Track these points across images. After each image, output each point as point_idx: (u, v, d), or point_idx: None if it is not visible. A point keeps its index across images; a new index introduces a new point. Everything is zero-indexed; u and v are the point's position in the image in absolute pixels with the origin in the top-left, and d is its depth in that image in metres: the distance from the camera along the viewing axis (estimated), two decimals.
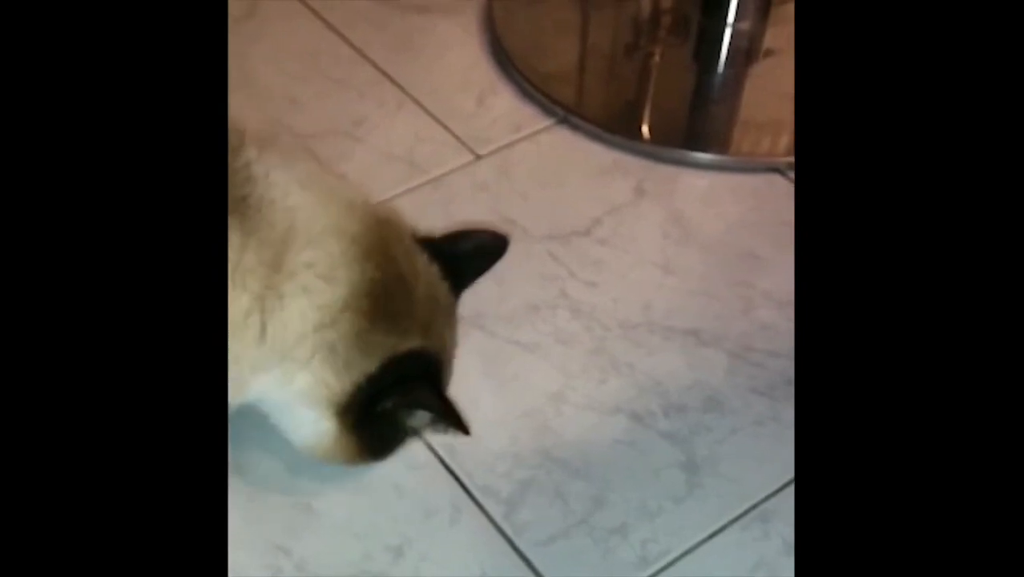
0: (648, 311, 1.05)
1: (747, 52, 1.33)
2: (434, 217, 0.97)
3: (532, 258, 1.09)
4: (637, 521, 0.88)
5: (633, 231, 1.12)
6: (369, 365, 0.77)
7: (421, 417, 0.82)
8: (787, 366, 0.99)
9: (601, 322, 1.03)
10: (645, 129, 1.24)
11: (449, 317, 0.84)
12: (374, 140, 1.21)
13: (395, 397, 0.78)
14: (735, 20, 1.33)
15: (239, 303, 0.71)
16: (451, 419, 0.80)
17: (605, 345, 1.02)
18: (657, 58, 1.34)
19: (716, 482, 0.92)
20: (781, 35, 1.32)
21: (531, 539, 0.87)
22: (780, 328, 1.02)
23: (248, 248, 0.71)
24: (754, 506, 0.90)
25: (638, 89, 1.33)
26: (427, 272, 0.82)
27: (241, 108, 1.14)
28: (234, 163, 0.73)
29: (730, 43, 1.34)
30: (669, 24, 1.38)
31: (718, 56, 1.35)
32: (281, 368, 0.76)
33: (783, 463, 0.91)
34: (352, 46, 1.33)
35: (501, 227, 1.07)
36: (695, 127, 1.28)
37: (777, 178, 1.18)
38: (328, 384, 0.77)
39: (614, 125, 1.22)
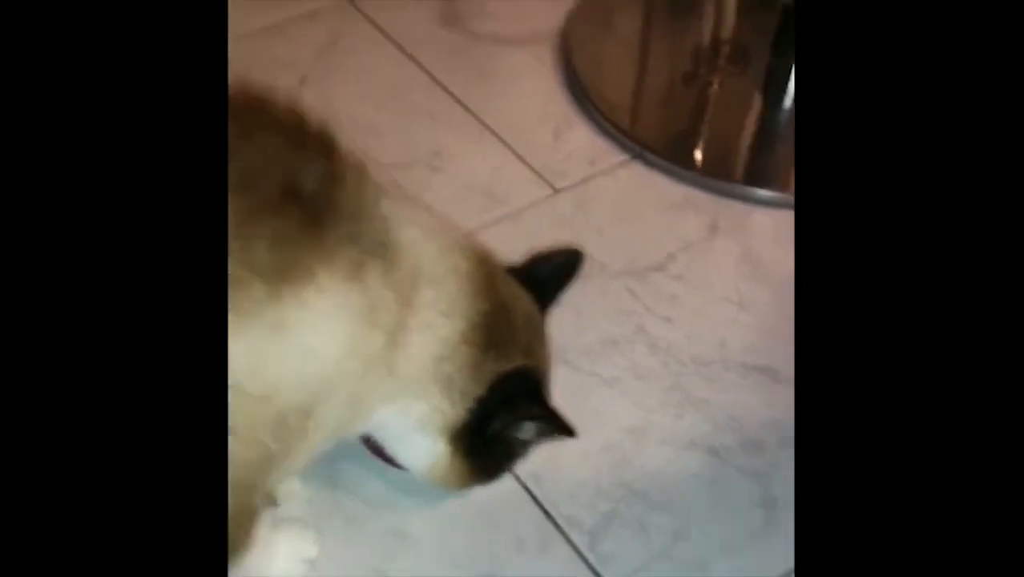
0: (723, 348, 1.08)
1: None
2: (515, 251, 1.01)
3: (609, 293, 1.13)
4: (718, 556, 0.92)
5: (707, 267, 1.16)
6: (480, 389, 0.81)
7: (528, 429, 0.86)
8: None
9: (677, 357, 1.07)
10: (713, 165, 1.28)
11: (543, 335, 0.88)
12: (454, 171, 1.26)
13: (505, 416, 0.83)
14: None
15: (376, 340, 0.75)
16: (557, 425, 0.84)
17: (681, 381, 1.06)
18: (716, 87, 1.38)
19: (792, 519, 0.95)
20: None
21: (616, 571, 0.91)
22: None
23: (387, 287, 0.75)
24: None
25: (702, 122, 1.37)
26: (521, 297, 0.86)
27: None
28: (374, 210, 0.77)
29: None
30: (728, 54, 1.42)
31: (784, 92, 1.39)
32: (403, 398, 0.81)
33: None
34: (431, 76, 1.38)
35: (587, 264, 1.12)
36: (763, 163, 1.32)
37: None
38: (444, 412, 0.82)
39: (683, 161, 1.26)
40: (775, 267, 1.16)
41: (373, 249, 0.75)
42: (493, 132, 1.30)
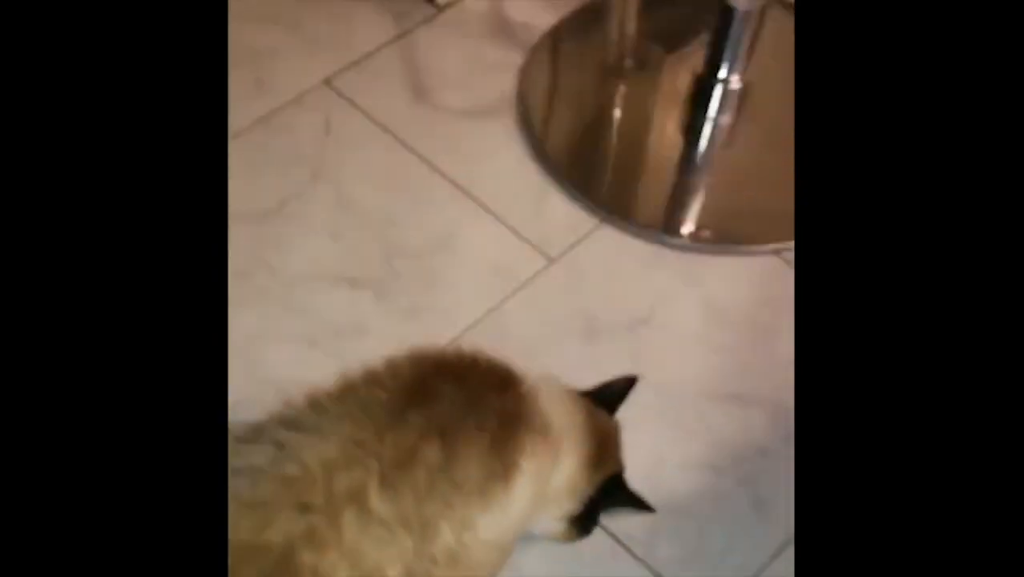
0: (704, 383, 1.45)
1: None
2: (535, 323, 1.35)
3: (614, 347, 1.48)
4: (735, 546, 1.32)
5: (681, 316, 1.52)
6: (591, 491, 1.16)
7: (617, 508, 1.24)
8: None
9: (675, 396, 1.44)
10: (664, 221, 1.62)
11: (619, 441, 1.23)
12: (465, 252, 1.56)
13: (606, 503, 1.19)
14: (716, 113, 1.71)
15: (543, 487, 1.09)
16: (641, 506, 1.21)
17: (683, 415, 1.42)
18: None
19: (779, 512, 1.35)
20: (753, 131, 1.71)
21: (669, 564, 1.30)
22: None
23: (548, 452, 1.08)
24: None
25: (651, 181, 1.70)
26: (604, 417, 1.21)
27: (348, 230, 1.44)
28: (538, 405, 1.09)
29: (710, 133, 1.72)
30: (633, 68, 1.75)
31: (700, 138, 1.73)
32: (548, 508, 1.15)
33: None
34: (420, 157, 1.65)
35: (589, 324, 1.46)
36: (707, 218, 1.66)
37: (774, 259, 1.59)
38: (570, 509, 1.16)
39: (642, 221, 1.60)
40: (732, 309, 1.53)
41: (541, 429, 1.07)
42: (488, 209, 1.60)
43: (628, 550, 1.31)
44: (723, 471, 1.37)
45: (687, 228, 1.61)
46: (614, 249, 1.58)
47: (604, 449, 1.17)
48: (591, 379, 1.40)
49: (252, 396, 1.28)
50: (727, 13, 1.58)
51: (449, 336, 1.46)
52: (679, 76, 1.73)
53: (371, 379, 1.03)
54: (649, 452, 1.37)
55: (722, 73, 1.66)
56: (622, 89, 1.78)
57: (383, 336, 1.46)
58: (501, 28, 1.82)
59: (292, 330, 1.47)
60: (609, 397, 1.24)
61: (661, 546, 1.31)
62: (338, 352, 1.44)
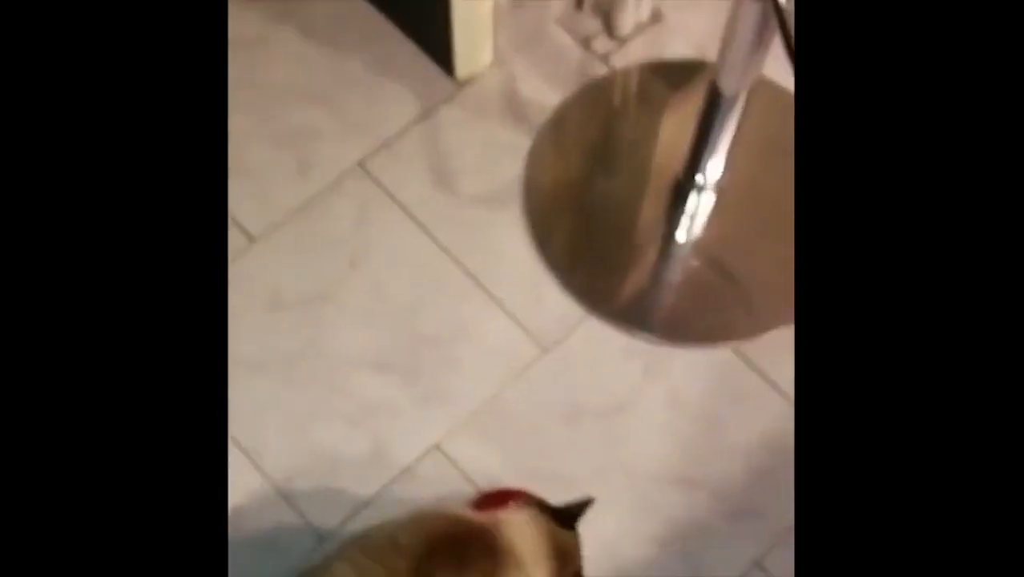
0: (665, 465, 1.83)
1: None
2: (526, 407, 1.72)
3: (593, 429, 1.84)
4: None
5: (649, 404, 1.87)
6: None
7: None
8: (747, 498, 1.80)
9: (640, 478, 1.82)
10: (640, 319, 1.95)
11: (579, 547, 1.60)
12: (476, 341, 1.90)
13: None
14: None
15: None
16: None
17: (642, 496, 1.81)
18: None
19: None
20: (726, 230, 2.01)
21: None
22: (739, 470, 1.82)
23: None
24: None
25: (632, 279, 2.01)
26: (564, 535, 1.57)
27: (379, 318, 1.84)
28: (514, 554, 1.46)
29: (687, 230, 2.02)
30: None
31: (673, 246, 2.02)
32: None
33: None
34: (441, 246, 1.97)
35: (572, 410, 1.83)
36: (678, 316, 1.98)
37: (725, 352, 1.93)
38: None
39: (627, 316, 1.93)
40: (692, 401, 1.88)
41: (515, 565, 1.45)
42: (495, 299, 1.94)
43: None
44: (669, 544, 1.77)
45: (659, 323, 1.94)
46: (597, 339, 1.92)
47: (565, 562, 1.54)
48: (570, 459, 1.78)
49: (306, 466, 1.64)
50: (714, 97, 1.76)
51: (459, 420, 1.82)
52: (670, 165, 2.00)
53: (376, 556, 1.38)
54: (611, 528, 1.76)
55: (702, 170, 1.91)
56: (614, 181, 2.07)
57: (409, 418, 1.83)
58: (513, 107, 2.08)
59: (338, 409, 1.83)
60: (571, 513, 1.57)
61: None
62: (372, 430, 1.81)
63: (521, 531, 1.49)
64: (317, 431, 1.82)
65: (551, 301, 1.94)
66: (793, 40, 1.32)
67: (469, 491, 1.77)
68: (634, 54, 2.13)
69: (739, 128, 1.83)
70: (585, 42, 2.15)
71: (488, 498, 1.72)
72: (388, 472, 1.78)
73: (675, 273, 2.01)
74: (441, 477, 1.79)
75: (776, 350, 1.87)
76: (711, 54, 1.89)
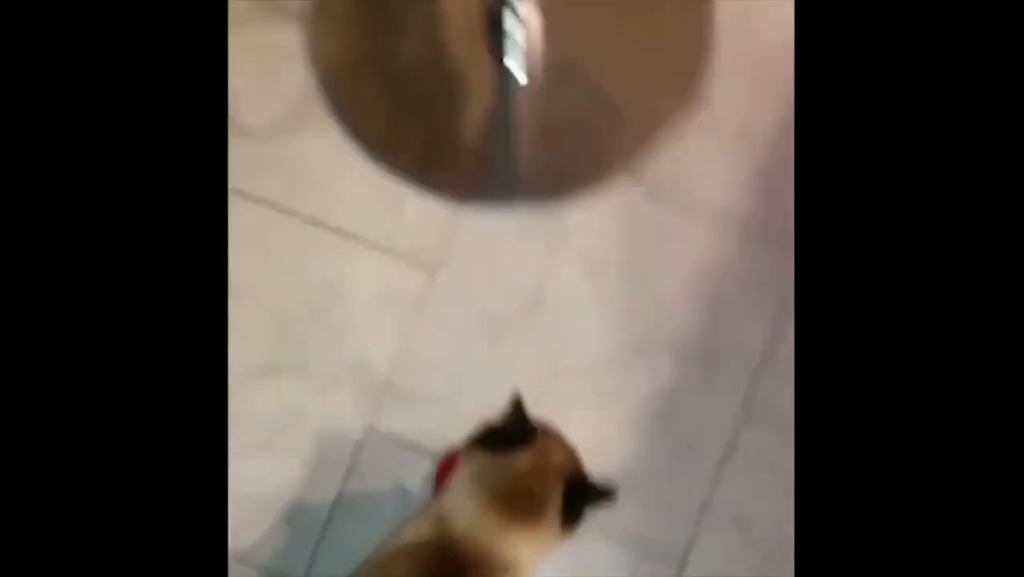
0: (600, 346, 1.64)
1: None
2: (441, 347, 1.56)
3: (519, 336, 1.63)
4: None
5: (562, 285, 1.65)
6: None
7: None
8: (708, 343, 1.63)
9: (586, 369, 1.63)
10: (516, 186, 1.69)
11: (565, 449, 1.36)
12: (353, 293, 1.64)
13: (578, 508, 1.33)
14: None
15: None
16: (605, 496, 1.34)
17: (605, 385, 1.63)
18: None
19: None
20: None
21: None
22: (688, 316, 1.64)
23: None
24: None
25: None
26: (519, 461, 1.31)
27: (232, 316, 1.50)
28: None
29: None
30: None
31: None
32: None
33: None
34: (262, 203, 1.66)
35: (488, 324, 1.61)
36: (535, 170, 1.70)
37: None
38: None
39: (494, 192, 1.67)
40: (606, 260, 1.66)
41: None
42: (352, 238, 1.65)
43: None
44: (649, 424, 1.61)
45: (532, 183, 1.68)
46: (480, 233, 1.66)
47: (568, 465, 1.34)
48: (509, 381, 1.56)
49: (243, 517, 1.52)
50: None
51: (376, 390, 1.59)
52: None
53: None
54: (586, 434, 1.58)
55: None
56: (409, 38, 1.72)
57: (322, 414, 1.59)
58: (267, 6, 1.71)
59: (243, 441, 1.58)
60: (517, 425, 1.33)
61: None
62: (292, 445, 1.58)
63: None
64: (234, 474, 1.57)
65: (411, 210, 1.67)
66: None
67: (425, 463, 1.58)
68: None
69: None
70: None
71: (447, 465, 1.52)
72: (331, 484, 1.57)
73: (525, 114, 1.72)
74: (389, 460, 1.59)
75: (670, 160, 1.64)
76: None
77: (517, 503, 1.30)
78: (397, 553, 1.29)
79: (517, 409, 1.35)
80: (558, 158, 1.69)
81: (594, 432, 1.59)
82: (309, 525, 1.56)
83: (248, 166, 1.64)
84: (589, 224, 1.67)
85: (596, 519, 1.34)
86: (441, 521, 1.30)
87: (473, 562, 1.27)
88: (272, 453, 1.58)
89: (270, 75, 1.69)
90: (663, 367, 1.62)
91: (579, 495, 1.33)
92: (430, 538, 1.29)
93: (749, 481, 1.56)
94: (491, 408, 1.40)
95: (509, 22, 1.65)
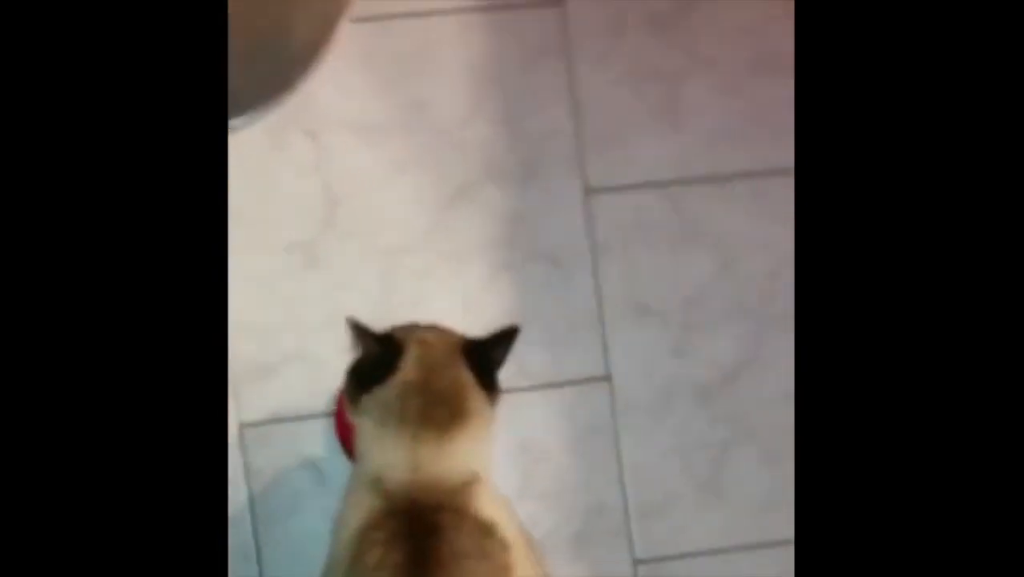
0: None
1: None
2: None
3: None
4: None
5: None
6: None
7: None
8: None
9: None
10: None
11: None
12: None
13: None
14: None
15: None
16: (507, 337, 1.23)
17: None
18: None
19: None
20: None
21: None
22: None
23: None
24: None
25: None
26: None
27: None
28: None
29: None
30: None
31: None
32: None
33: None
34: None
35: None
36: None
37: None
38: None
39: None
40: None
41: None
42: None
43: None
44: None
45: None
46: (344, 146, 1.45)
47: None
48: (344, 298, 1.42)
49: None
50: None
51: (231, 389, 1.43)
52: None
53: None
54: None
55: None
56: None
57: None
58: None
59: None
60: (375, 345, 1.21)
61: None
62: None
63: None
64: None
65: None
66: None
67: (316, 424, 1.45)
68: None
69: None
70: None
71: (341, 411, 1.38)
72: (238, 492, 1.43)
73: None
74: (280, 443, 1.44)
75: None
76: None
77: (436, 413, 1.17)
78: (361, 541, 1.14)
79: (360, 332, 1.20)
80: None
81: (457, 297, 1.47)
82: (241, 539, 1.43)
83: None
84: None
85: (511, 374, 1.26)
86: (378, 482, 1.16)
87: (437, 505, 1.14)
88: None
89: None
90: (491, 199, 1.48)
91: (483, 353, 1.22)
92: (381, 507, 1.15)
93: (632, 264, 1.48)
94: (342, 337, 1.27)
95: None
